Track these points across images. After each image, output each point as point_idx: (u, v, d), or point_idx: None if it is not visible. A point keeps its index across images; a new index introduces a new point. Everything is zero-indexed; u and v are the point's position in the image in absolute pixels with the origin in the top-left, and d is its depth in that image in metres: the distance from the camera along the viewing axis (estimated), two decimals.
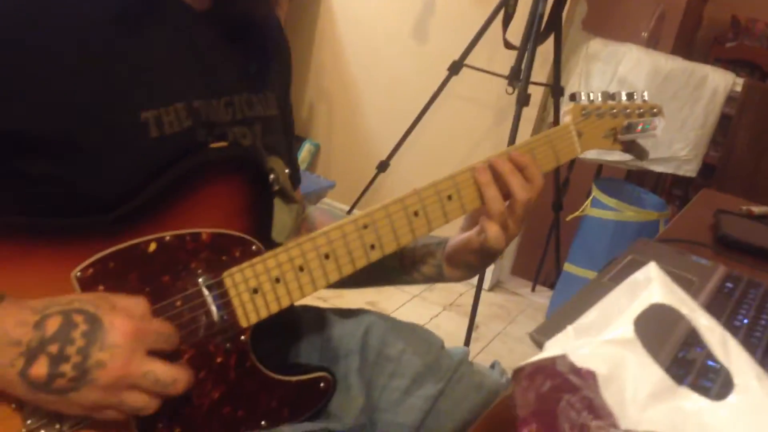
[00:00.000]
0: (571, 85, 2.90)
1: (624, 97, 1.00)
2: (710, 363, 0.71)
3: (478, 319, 2.66)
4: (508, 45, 2.63)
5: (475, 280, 2.67)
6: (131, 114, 0.77)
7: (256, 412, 0.86)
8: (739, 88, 2.82)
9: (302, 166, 3.26)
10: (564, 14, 2.65)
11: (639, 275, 0.62)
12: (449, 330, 2.75)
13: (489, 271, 3.11)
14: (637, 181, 3.50)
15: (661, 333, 0.60)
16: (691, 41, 5.47)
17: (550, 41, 2.61)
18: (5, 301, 0.67)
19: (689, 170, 2.86)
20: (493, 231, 0.89)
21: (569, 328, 0.64)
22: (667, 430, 0.53)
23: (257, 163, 0.85)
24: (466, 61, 2.65)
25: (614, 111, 0.99)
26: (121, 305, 0.71)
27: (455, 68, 2.67)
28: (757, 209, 1.35)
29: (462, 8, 2.94)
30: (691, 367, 0.70)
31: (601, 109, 0.99)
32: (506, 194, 0.90)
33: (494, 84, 2.75)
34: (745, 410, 0.58)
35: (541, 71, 2.75)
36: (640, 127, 1.00)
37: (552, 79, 2.71)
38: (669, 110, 2.77)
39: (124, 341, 0.69)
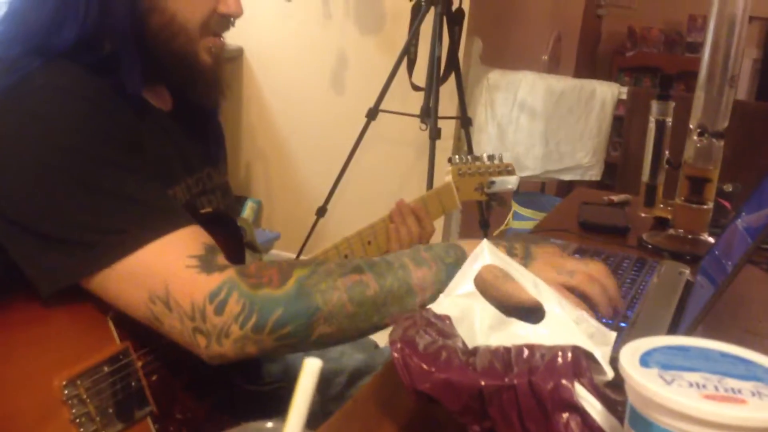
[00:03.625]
0: (478, 114, 3.21)
1: (486, 159, 1.31)
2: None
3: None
4: (415, 87, 2.93)
5: None
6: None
7: (237, 415, 1.09)
8: (624, 96, 3.16)
9: (251, 224, 3.48)
10: (461, 53, 2.95)
11: (477, 249, 0.90)
12: None
13: None
14: (553, 191, 3.82)
15: None
16: (593, 56, 5.86)
17: (453, 78, 2.92)
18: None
19: (593, 175, 3.18)
20: None
21: (440, 296, 0.91)
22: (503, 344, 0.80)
23: (233, 223, 1.11)
24: (381, 106, 2.92)
25: (480, 170, 1.30)
26: None
27: (372, 114, 2.93)
28: (616, 198, 1.65)
29: (371, 58, 3.22)
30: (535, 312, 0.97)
31: (471, 169, 1.30)
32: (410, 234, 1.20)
33: (409, 123, 3.02)
34: (555, 327, 0.85)
35: (450, 106, 3.03)
36: (498, 183, 1.30)
37: (460, 112, 3.01)
38: (567, 124, 3.11)
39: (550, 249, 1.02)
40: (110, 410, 0.95)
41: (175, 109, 1.14)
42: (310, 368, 0.43)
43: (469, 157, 1.29)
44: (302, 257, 3.22)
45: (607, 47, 5.97)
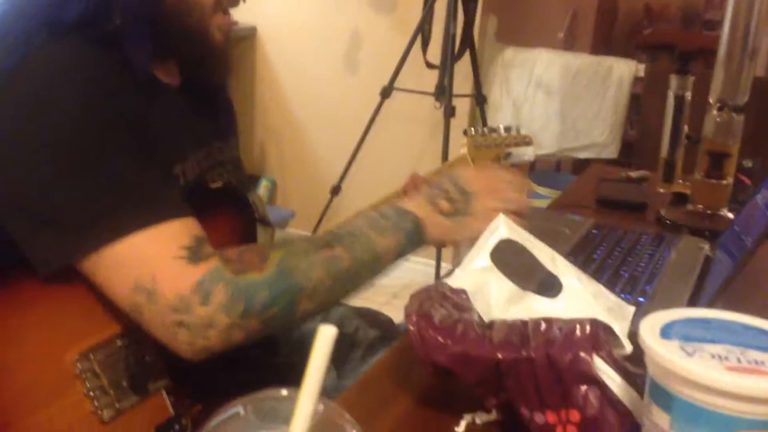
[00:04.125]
0: (493, 93, 3.19)
1: (503, 131, 1.29)
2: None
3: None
4: (429, 65, 2.91)
5: (434, 280, 2.94)
6: (168, 168, 1.00)
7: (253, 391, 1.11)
8: (642, 74, 3.13)
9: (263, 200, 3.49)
10: (476, 30, 2.93)
11: (492, 224, 0.89)
12: None
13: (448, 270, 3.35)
14: (569, 169, 3.79)
15: (510, 259, 0.87)
16: (610, 34, 5.79)
17: (468, 56, 2.90)
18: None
19: (610, 152, 3.16)
20: None
21: (456, 270, 0.91)
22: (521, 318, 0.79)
23: (244, 196, 1.11)
24: (395, 84, 2.91)
25: (497, 142, 1.29)
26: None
27: (386, 92, 2.93)
28: (634, 174, 1.63)
29: (385, 37, 3.19)
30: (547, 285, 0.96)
31: (487, 141, 1.28)
32: None
33: (423, 101, 3.01)
34: (571, 302, 0.84)
35: (465, 84, 3.00)
36: (515, 154, 1.29)
37: (475, 90, 2.99)
38: (583, 101, 3.08)
39: (476, 176, 1.10)
40: (124, 383, 0.95)
41: (183, 83, 1.13)
42: (325, 336, 0.43)
43: (485, 128, 1.27)
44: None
45: (623, 25, 5.89)
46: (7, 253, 0.92)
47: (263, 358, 1.11)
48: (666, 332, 0.60)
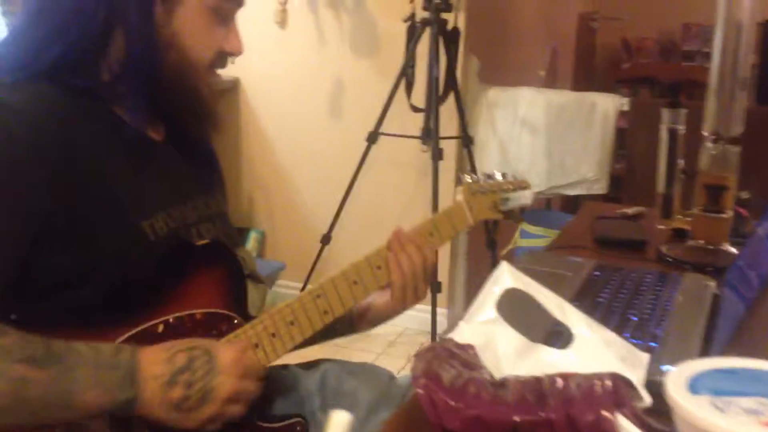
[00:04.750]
0: (480, 133, 3.18)
1: (499, 177, 1.27)
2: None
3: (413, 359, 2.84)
4: (414, 109, 2.90)
5: (429, 327, 2.89)
6: (133, 225, 0.99)
7: None
8: (626, 107, 3.13)
9: (252, 254, 3.44)
10: (459, 72, 2.93)
11: (496, 272, 0.85)
12: None
13: (443, 317, 3.31)
14: (558, 207, 3.78)
15: (516, 309, 0.83)
16: (590, 70, 5.84)
17: (452, 98, 2.89)
18: (141, 348, 0.90)
19: (599, 188, 3.14)
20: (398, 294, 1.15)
21: (460, 323, 0.87)
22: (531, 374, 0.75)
23: (232, 254, 1.07)
24: (381, 129, 2.90)
25: (493, 188, 1.26)
26: (225, 342, 0.96)
27: (373, 137, 2.91)
28: (630, 210, 1.60)
29: (368, 82, 3.18)
30: (557, 335, 0.92)
31: (483, 188, 1.26)
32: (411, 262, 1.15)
33: (410, 145, 2.99)
34: (584, 352, 0.81)
35: (450, 125, 2.99)
36: (512, 199, 1.27)
37: (461, 132, 2.98)
38: (569, 138, 3.08)
39: (232, 367, 0.93)
40: None
41: (167, 137, 1.12)
42: (338, 422, 0.39)
43: (481, 175, 1.25)
44: (309, 287, 3.17)
45: (602, 59, 5.95)
46: None
47: (261, 424, 1.06)
48: (694, 387, 0.56)
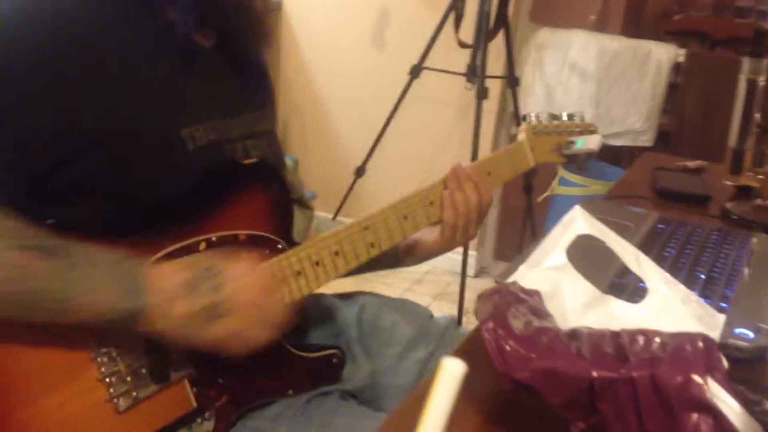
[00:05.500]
0: (525, 75, 3.07)
1: (566, 118, 1.19)
2: (641, 285, 0.87)
3: (467, 305, 2.82)
4: (461, 44, 2.80)
5: (459, 268, 2.84)
6: (173, 131, 0.93)
7: (284, 382, 1.02)
8: (682, 59, 3.00)
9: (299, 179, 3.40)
10: (510, 9, 2.81)
11: (567, 216, 0.79)
12: None
13: (472, 258, 3.26)
14: (601, 157, 3.67)
15: (588, 257, 0.77)
16: (639, 18, 5.65)
17: (502, 36, 2.78)
18: (148, 262, 0.86)
19: (645, 140, 3.04)
20: (450, 230, 1.10)
21: (521, 267, 0.81)
22: (600, 326, 0.69)
23: (281, 177, 1.02)
24: (425, 64, 2.81)
25: (559, 130, 1.18)
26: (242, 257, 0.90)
27: (415, 71, 2.83)
28: (691, 164, 1.52)
29: (415, 13, 3.09)
30: (626, 288, 0.87)
31: (548, 128, 1.18)
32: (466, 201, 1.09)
33: (454, 82, 2.91)
34: (658, 308, 0.74)
35: (496, 65, 2.91)
36: (579, 143, 1.18)
37: (507, 72, 2.88)
38: (619, 86, 2.97)
39: (248, 285, 0.88)
40: (143, 370, 0.89)
41: (219, 47, 1.05)
42: (451, 372, 0.33)
43: (545, 114, 1.17)
44: (339, 218, 3.13)
45: (653, 9, 5.75)
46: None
47: (297, 352, 1.02)
48: None
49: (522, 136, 1.15)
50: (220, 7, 1.00)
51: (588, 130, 1.20)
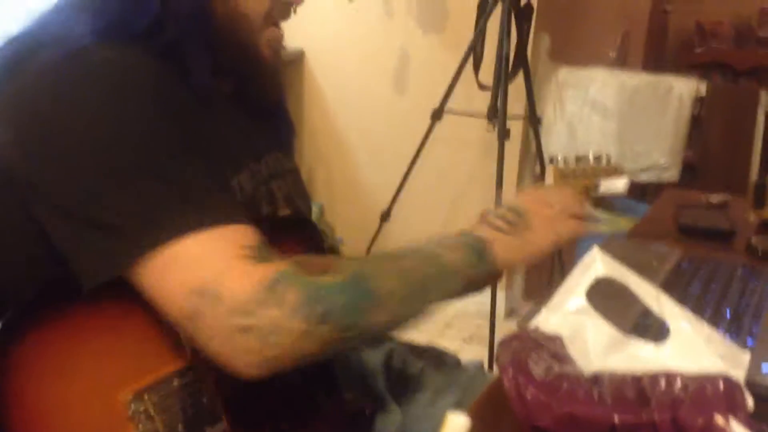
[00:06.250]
0: (547, 113, 3.09)
1: (592, 160, 1.20)
2: (664, 325, 0.87)
3: (497, 347, 2.80)
4: (481, 86, 2.82)
5: (488, 310, 2.83)
6: (226, 180, 0.94)
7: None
8: (703, 93, 3.00)
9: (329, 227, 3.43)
10: (529, 49, 2.83)
11: (586, 258, 0.79)
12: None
13: (501, 300, 3.24)
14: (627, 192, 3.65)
15: (609, 299, 0.77)
16: (661, 53, 5.66)
17: (521, 76, 2.80)
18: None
19: (671, 175, 3.03)
20: None
21: (543, 311, 0.81)
22: (623, 369, 0.69)
23: (314, 226, 1.05)
24: (446, 106, 2.83)
25: (586, 173, 1.20)
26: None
27: (437, 115, 2.84)
28: (714, 198, 1.51)
29: (434, 57, 3.11)
30: (650, 329, 0.86)
31: (575, 172, 1.20)
32: None
33: (475, 124, 2.92)
34: (681, 348, 0.74)
35: (517, 105, 2.91)
36: (605, 186, 1.20)
37: (528, 111, 2.90)
38: (641, 122, 2.97)
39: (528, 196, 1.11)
40: (179, 426, 0.88)
41: (237, 95, 1.07)
42: (456, 425, 0.34)
43: (572, 157, 1.18)
44: None
45: (674, 43, 5.75)
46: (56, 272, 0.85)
47: (329, 405, 1.02)
48: None
49: (549, 179, 1.16)
50: (230, 58, 1.01)
51: (615, 172, 1.20)
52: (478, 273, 0.97)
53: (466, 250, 0.97)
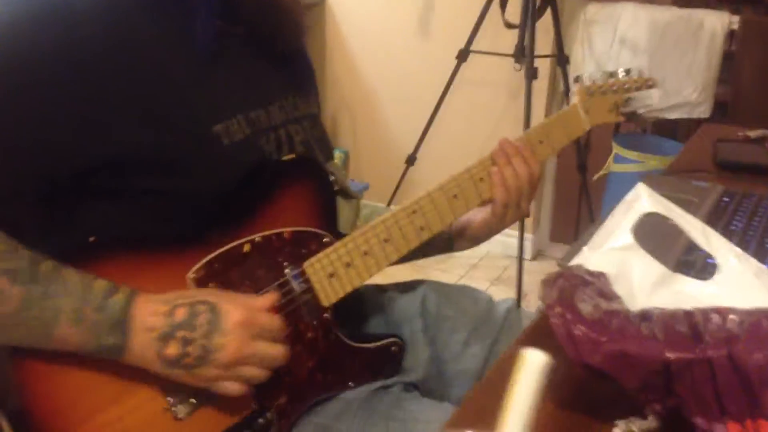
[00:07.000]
0: (574, 52, 3.02)
1: (622, 74, 1.15)
2: (709, 261, 0.85)
3: (525, 288, 2.80)
4: (508, 25, 2.76)
5: (515, 252, 2.82)
6: (204, 128, 0.91)
7: (344, 375, 1.01)
8: (736, 26, 2.92)
9: (342, 168, 3.41)
10: None
11: (630, 195, 0.77)
12: None
13: (528, 242, 3.23)
14: (657, 131, 3.60)
15: (654, 235, 0.75)
16: None
17: (549, 14, 2.74)
18: (139, 296, 0.83)
19: (702, 112, 2.96)
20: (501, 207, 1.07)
21: (584, 249, 0.79)
22: (671, 306, 0.67)
23: (322, 169, 1.01)
24: (472, 47, 2.78)
25: (615, 88, 1.14)
26: (239, 299, 0.87)
27: (463, 56, 2.80)
28: (752, 133, 1.48)
29: None
30: (694, 265, 0.84)
31: (603, 88, 1.14)
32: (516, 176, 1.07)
33: (502, 64, 2.88)
34: (730, 284, 0.72)
35: (545, 44, 2.86)
36: (637, 100, 1.15)
37: (556, 50, 2.84)
38: (672, 58, 2.89)
39: (238, 328, 0.84)
40: None
41: (247, 35, 1.03)
42: (534, 363, 0.32)
43: (601, 74, 1.13)
44: (392, 207, 3.12)
45: None
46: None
47: (355, 345, 1.02)
48: None
49: (575, 98, 1.12)
50: (248, 11, 0.98)
51: (646, 84, 1.15)
52: (87, 352, 0.83)
53: (94, 342, 0.82)
